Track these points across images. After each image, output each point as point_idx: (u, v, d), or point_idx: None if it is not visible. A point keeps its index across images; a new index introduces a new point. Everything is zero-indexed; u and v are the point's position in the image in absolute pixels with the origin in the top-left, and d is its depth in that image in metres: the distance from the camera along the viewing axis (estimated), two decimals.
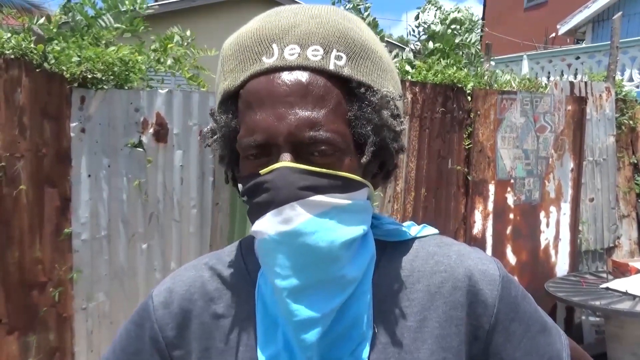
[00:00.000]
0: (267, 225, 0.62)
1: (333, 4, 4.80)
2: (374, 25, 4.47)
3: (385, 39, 4.68)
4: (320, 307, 0.62)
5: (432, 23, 4.72)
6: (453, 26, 4.63)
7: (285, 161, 0.61)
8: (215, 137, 0.68)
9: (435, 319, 0.69)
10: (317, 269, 0.62)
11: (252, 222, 0.65)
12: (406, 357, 0.67)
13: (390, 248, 0.73)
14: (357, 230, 0.65)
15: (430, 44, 4.50)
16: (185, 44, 3.29)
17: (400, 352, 0.67)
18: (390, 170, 0.73)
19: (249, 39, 0.66)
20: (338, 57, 0.64)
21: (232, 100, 0.67)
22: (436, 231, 0.77)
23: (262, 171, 0.62)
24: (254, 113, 0.63)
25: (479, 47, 4.81)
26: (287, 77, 0.62)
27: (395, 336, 0.68)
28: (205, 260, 0.78)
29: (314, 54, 0.63)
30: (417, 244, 0.74)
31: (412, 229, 0.76)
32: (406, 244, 0.74)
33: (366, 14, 4.55)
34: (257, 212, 0.63)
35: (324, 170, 0.62)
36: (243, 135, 0.64)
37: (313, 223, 0.61)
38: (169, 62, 3.14)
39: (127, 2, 3.27)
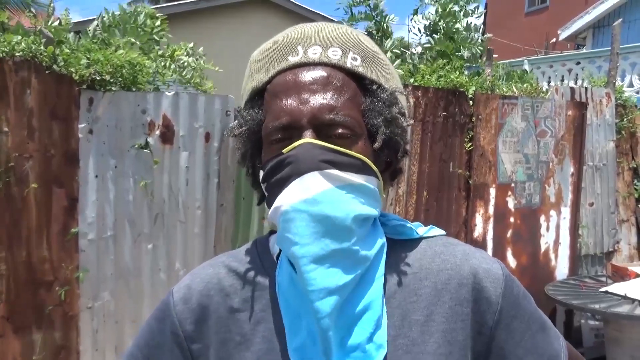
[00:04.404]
0: (289, 196, 0.67)
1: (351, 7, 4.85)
2: (387, 35, 4.55)
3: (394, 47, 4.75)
4: (335, 278, 0.66)
5: (433, 21, 4.75)
6: (452, 24, 4.66)
7: (308, 138, 0.68)
8: (241, 129, 0.75)
9: (442, 314, 0.72)
10: (333, 238, 0.67)
11: (271, 204, 0.70)
12: (414, 349, 0.70)
13: (399, 246, 0.77)
14: (368, 209, 0.70)
15: (434, 37, 4.53)
16: (197, 58, 3.38)
17: (409, 344, 0.71)
18: (396, 169, 0.79)
19: (276, 44, 0.75)
20: (354, 58, 0.73)
21: (258, 96, 0.75)
22: (443, 232, 0.81)
23: (285, 149, 0.69)
24: (280, 100, 0.70)
25: (481, 40, 4.83)
26: (310, 70, 0.71)
27: (403, 329, 0.71)
28: (222, 259, 0.82)
29: (334, 54, 0.72)
30: (425, 244, 0.78)
31: (420, 229, 0.80)
32: (414, 242, 0.78)
33: (385, 19, 4.61)
34: (278, 187, 0.69)
35: (342, 149, 0.69)
36: (269, 121, 0.71)
37: (331, 193, 0.67)
38: (173, 66, 3.21)
39: (147, 24, 3.36)
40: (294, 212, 0.67)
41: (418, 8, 4.98)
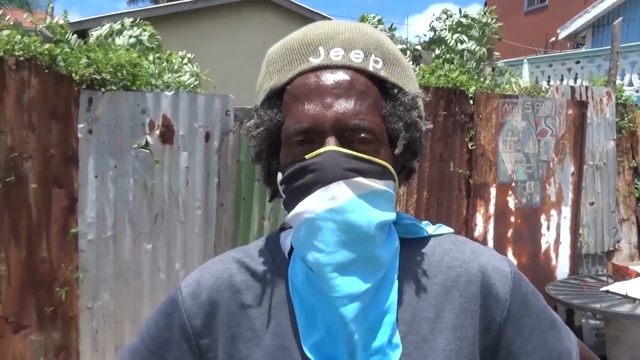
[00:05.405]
0: (314, 203, 0.67)
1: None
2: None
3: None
4: (358, 285, 0.67)
5: (441, 29, 4.81)
6: (456, 36, 4.71)
7: (332, 145, 0.67)
8: (259, 130, 0.73)
9: (451, 311, 0.73)
10: (358, 246, 0.67)
11: (291, 208, 0.70)
12: (424, 345, 0.71)
13: (408, 244, 0.77)
14: (389, 215, 0.71)
15: (437, 50, 4.59)
16: (186, 60, 3.48)
17: (419, 340, 0.71)
18: (411, 169, 0.78)
19: (296, 43, 0.74)
20: (376, 62, 0.72)
21: (277, 96, 0.73)
22: (451, 230, 0.81)
23: (307, 155, 0.68)
24: (302, 104, 0.69)
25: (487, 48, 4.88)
26: (332, 73, 0.70)
27: (414, 326, 0.72)
28: (233, 254, 0.82)
29: (356, 57, 0.71)
30: (434, 242, 0.79)
31: (429, 227, 0.80)
32: (423, 241, 0.78)
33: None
34: (300, 193, 0.68)
35: (366, 156, 0.69)
36: (290, 124, 0.70)
37: (355, 202, 0.67)
38: (168, 72, 3.26)
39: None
40: (319, 220, 0.67)
41: (433, 21, 5.07)
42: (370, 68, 0.71)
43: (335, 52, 0.71)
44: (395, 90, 0.72)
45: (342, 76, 0.69)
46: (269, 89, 0.73)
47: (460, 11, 5.32)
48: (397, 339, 0.70)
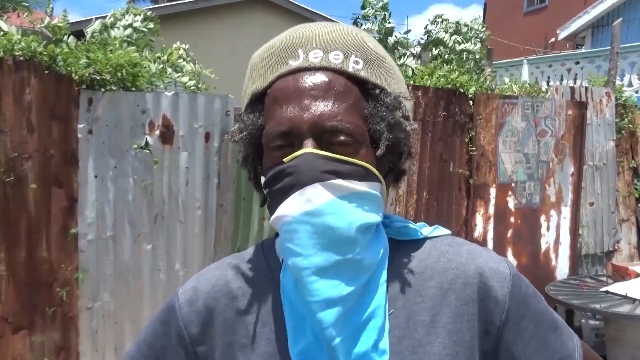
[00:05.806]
0: (291, 206, 0.66)
1: (355, 22, 5.03)
2: (388, 32, 4.63)
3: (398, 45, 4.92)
4: (339, 289, 0.66)
5: (438, 32, 4.84)
6: (454, 37, 4.74)
7: (309, 147, 0.67)
8: (242, 134, 0.73)
9: (448, 314, 0.71)
10: (337, 249, 0.66)
11: (273, 212, 0.69)
12: (420, 350, 0.70)
13: (403, 247, 0.76)
14: (372, 217, 0.69)
15: (434, 50, 4.61)
16: (188, 59, 3.46)
17: (414, 345, 0.70)
18: (400, 171, 0.77)
19: (277, 47, 0.73)
20: (356, 62, 0.71)
21: (259, 100, 0.73)
22: (448, 232, 0.80)
23: (285, 159, 0.67)
24: (281, 107, 0.69)
25: (483, 50, 4.92)
26: (311, 75, 0.69)
27: (409, 330, 0.70)
28: (229, 261, 0.81)
29: (335, 58, 0.70)
30: (429, 244, 0.77)
31: (424, 229, 0.79)
32: (418, 243, 0.77)
33: (383, 18, 4.73)
34: (280, 197, 0.68)
35: (344, 157, 0.67)
36: (270, 128, 0.69)
37: (334, 204, 0.66)
38: (169, 70, 3.24)
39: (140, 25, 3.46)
40: (296, 223, 0.66)
41: (427, 25, 5.10)
42: (350, 69, 0.70)
43: (314, 53, 0.70)
44: (377, 91, 0.71)
45: (320, 78, 0.69)
46: (251, 94, 0.73)
47: (440, 20, 5.43)
48: (384, 344, 0.68)
